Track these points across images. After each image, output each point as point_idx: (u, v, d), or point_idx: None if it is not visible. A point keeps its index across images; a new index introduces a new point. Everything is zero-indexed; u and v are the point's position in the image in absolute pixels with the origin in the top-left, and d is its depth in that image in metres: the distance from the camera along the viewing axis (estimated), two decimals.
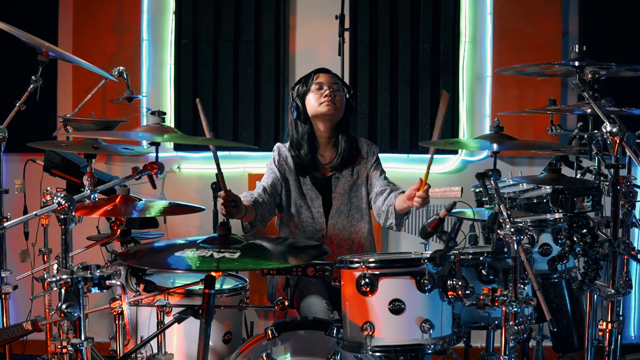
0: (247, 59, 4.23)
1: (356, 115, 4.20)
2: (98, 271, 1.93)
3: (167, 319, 2.47)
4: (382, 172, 2.97)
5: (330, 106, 2.86)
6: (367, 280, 2.14)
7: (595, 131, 2.67)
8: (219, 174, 2.48)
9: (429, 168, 2.50)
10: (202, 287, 2.05)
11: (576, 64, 2.69)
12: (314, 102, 2.88)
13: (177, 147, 4.27)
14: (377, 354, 2.18)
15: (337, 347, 2.31)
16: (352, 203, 2.95)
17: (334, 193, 2.94)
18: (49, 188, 2.83)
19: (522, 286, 2.10)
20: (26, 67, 2.95)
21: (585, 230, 2.50)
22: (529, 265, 2.05)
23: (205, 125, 2.46)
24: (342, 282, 2.25)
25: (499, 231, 2.11)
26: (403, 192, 2.77)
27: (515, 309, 2.07)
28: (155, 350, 2.52)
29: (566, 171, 2.89)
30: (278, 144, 3.02)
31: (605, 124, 2.36)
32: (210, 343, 2.27)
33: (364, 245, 2.96)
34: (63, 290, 1.88)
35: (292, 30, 4.30)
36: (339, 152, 2.93)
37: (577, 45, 2.70)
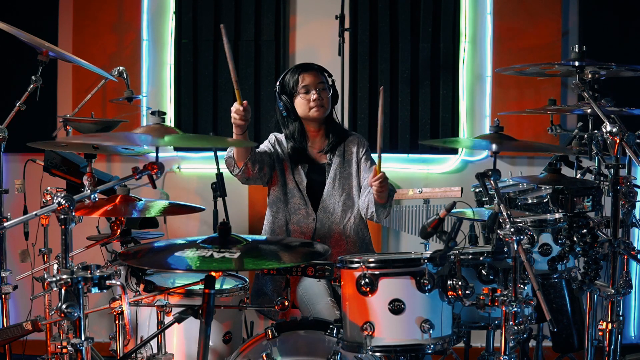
0: (247, 59, 4.23)
1: (355, 109, 4.21)
2: (98, 271, 1.93)
3: (167, 319, 2.47)
4: (372, 163, 3.01)
5: (320, 110, 2.95)
6: (367, 280, 2.14)
7: (595, 131, 2.68)
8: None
9: (379, 157, 2.60)
10: (202, 287, 2.05)
11: (576, 64, 2.69)
12: (304, 107, 2.96)
13: (177, 147, 4.27)
14: (377, 354, 2.18)
15: (337, 347, 2.31)
16: (344, 190, 2.99)
17: (327, 179, 2.99)
18: (49, 188, 2.83)
19: (522, 286, 2.10)
20: (26, 67, 2.95)
21: (585, 230, 2.50)
22: (529, 265, 2.05)
23: (229, 54, 2.59)
24: (342, 282, 2.25)
25: (499, 231, 2.11)
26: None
27: (515, 309, 2.07)
28: (155, 350, 2.52)
29: (566, 171, 2.90)
30: (275, 133, 3.10)
31: (605, 124, 2.36)
32: (210, 343, 2.27)
33: (357, 232, 2.99)
34: (63, 290, 1.88)
35: (292, 30, 4.30)
36: (330, 141, 3.02)
37: (577, 45, 2.70)
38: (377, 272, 2.15)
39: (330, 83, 3.02)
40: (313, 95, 2.93)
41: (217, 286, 2.73)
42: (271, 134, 3.10)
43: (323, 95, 2.95)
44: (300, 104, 2.96)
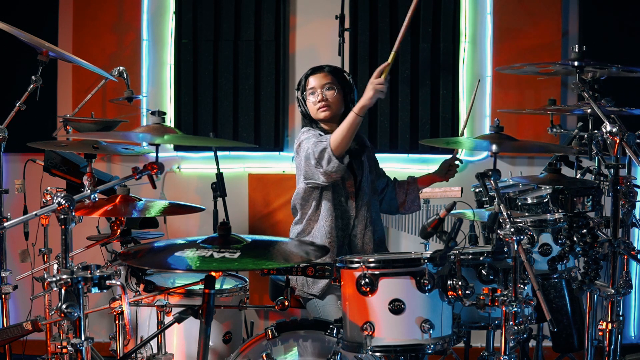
0: (247, 59, 4.23)
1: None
2: (98, 271, 1.93)
3: (167, 319, 2.47)
4: (378, 164, 3.06)
5: (327, 111, 2.86)
6: (367, 280, 2.14)
7: (595, 131, 2.67)
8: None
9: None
10: (202, 287, 2.05)
11: (576, 63, 2.69)
12: (313, 109, 2.88)
13: (177, 147, 4.26)
14: (377, 354, 2.18)
15: (337, 347, 2.31)
16: (372, 186, 2.97)
17: (360, 177, 2.89)
18: (49, 188, 2.83)
19: (522, 286, 2.11)
20: (26, 67, 2.95)
21: (585, 230, 2.50)
22: (529, 265, 2.05)
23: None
24: (342, 282, 2.25)
25: (499, 231, 2.11)
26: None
27: (515, 309, 2.07)
28: (155, 350, 2.52)
29: (566, 171, 2.90)
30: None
31: (605, 124, 2.36)
32: (210, 343, 2.27)
33: (380, 228, 2.97)
34: (63, 290, 1.88)
35: (292, 30, 4.30)
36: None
37: (577, 45, 2.70)
38: (377, 272, 2.16)
39: (347, 83, 2.92)
40: (318, 96, 2.86)
41: (217, 286, 2.73)
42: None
43: (328, 95, 2.86)
44: (310, 107, 2.89)
